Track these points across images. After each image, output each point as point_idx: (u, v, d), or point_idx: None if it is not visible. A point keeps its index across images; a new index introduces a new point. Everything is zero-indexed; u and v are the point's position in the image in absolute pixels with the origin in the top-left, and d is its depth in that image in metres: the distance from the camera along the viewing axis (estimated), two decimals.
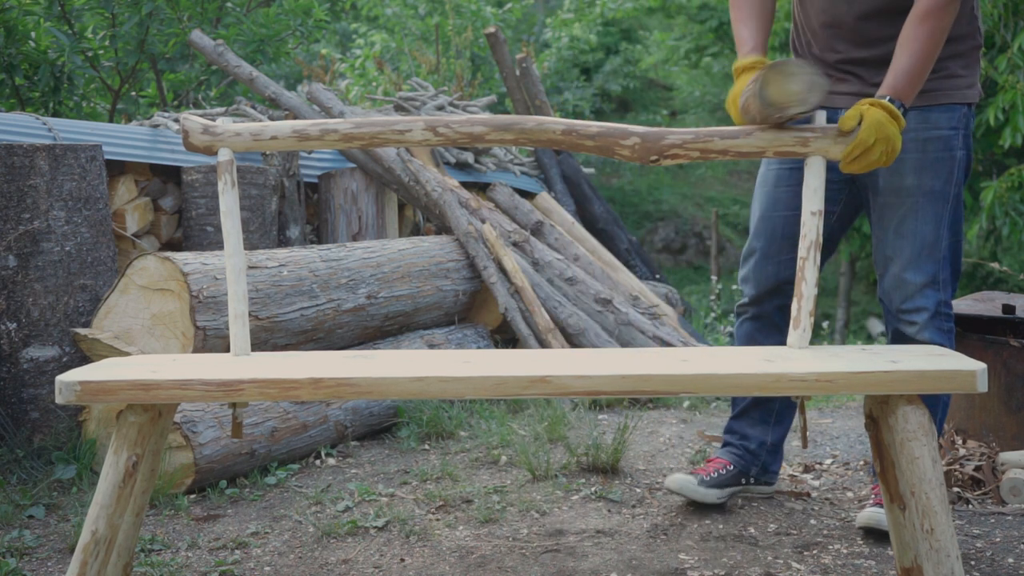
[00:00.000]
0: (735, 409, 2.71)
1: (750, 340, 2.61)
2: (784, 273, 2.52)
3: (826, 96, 2.03)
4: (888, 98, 2.15)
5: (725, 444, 2.71)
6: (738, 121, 2.19)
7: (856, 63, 2.41)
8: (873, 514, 2.42)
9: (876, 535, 2.44)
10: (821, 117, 2.10)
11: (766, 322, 2.58)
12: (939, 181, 2.35)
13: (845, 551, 2.36)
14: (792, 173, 2.48)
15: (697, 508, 2.66)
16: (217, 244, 3.70)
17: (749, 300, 2.59)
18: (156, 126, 4.28)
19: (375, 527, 2.53)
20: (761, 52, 2.36)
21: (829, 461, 3.16)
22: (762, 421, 2.67)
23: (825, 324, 10.32)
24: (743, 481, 2.67)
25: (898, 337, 2.43)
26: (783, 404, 2.66)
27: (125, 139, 3.86)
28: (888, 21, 2.33)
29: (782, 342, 2.59)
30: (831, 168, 2.38)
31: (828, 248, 2.53)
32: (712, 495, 2.60)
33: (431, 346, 3.85)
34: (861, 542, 2.42)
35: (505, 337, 4.41)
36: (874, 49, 2.37)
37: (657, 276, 5.58)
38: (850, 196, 2.51)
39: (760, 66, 2.25)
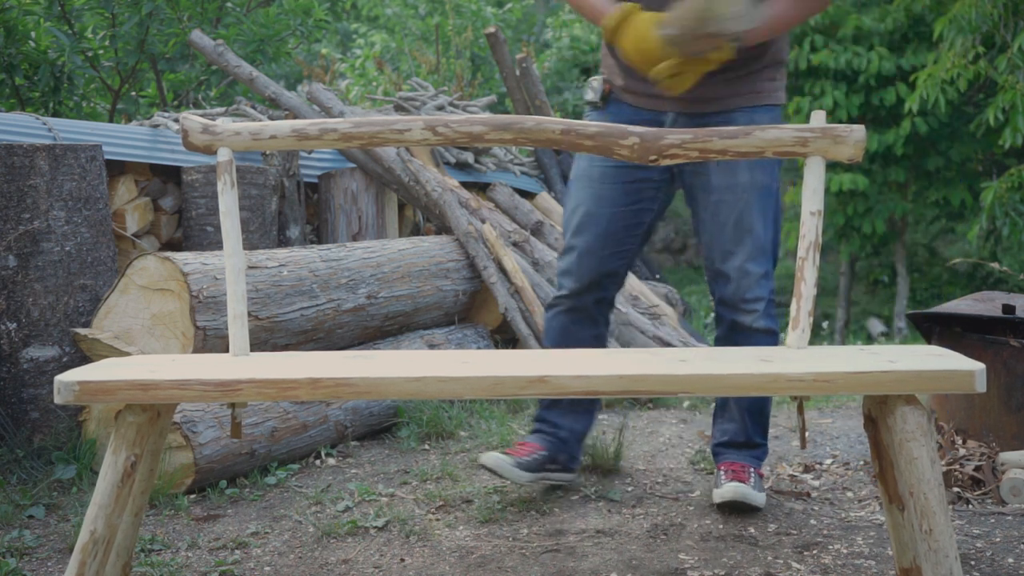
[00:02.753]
0: (544, 400, 2.76)
1: (565, 332, 2.66)
2: (605, 267, 2.60)
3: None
4: None
5: (536, 431, 2.77)
6: (639, 57, 2.32)
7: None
8: (738, 488, 2.54)
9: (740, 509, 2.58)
10: (820, 116, 2.10)
11: (583, 315, 2.65)
12: (767, 177, 2.50)
13: (845, 551, 2.36)
14: (618, 171, 2.55)
15: (696, 508, 2.66)
16: (217, 244, 3.70)
17: (568, 293, 2.64)
18: (156, 126, 4.28)
19: (375, 527, 2.53)
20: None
21: (829, 461, 3.16)
22: (572, 411, 2.74)
23: (825, 324, 10.33)
24: (549, 467, 2.72)
25: (734, 327, 2.55)
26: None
27: (125, 139, 3.86)
28: None
29: (598, 334, 2.68)
30: (652, 168, 2.53)
31: (647, 236, 2.65)
32: (525, 477, 2.67)
33: (431, 346, 3.85)
34: (861, 542, 2.42)
35: (505, 337, 4.41)
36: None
37: (657, 276, 5.58)
38: (666, 195, 2.63)
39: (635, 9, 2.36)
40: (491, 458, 2.65)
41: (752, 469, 2.65)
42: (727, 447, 2.70)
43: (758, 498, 2.57)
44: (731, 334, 2.57)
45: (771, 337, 2.56)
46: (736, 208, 2.49)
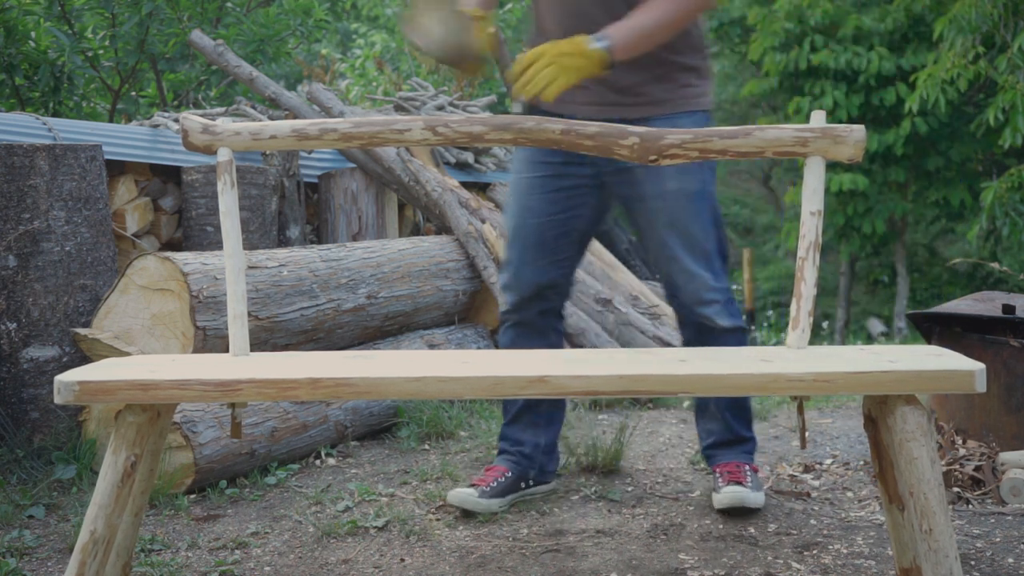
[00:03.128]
0: (507, 416, 2.75)
1: (513, 346, 2.67)
2: (542, 278, 2.60)
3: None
4: (597, 36, 2.26)
5: (501, 452, 2.74)
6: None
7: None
8: (736, 492, 2.54)
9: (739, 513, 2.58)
10: (819, 116, 2.10)
11: (529, 328, 2.65)
12: (697, 182, 2.50)
13: (845, 551, 2.36)
14: (543, 181, 2.56)
15: (696, 508, 2.66)
16: (217, 244, 3.70)
17: (511, 307, 2.65)
18: (156, 126, 4.28)
19: (375, 527, 2.53)
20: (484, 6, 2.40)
21: (829, 461, 3.16)
22: (533, 424, 2.72)
23: (825, 324, 10.33)
24: (522, 486, 2.70)
25: (698, 330, 2.55)
26: (550, 406, 2.73)
27: (125, 139, 3.86)
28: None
29: (545, 345, 2.66)
30: (578, 176, 2.54)
31: (583, 244, 2.65)
32: (494, 505, 2.62)
33: (431, 346, 3.85)
34: (861, 542, 2.42)
35: None
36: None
37: (657, 276, 5.57)
38: (599, 201, 2.61)
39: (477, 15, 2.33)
40: (457, 495, 2.61)
41: (747, 467, 2.65)
42: (716, 448, 2.70)
43: (757, 499, 2.57)
44: (698, 337, 2.57)
45: (739, 335, 2.55)
46: (669, 214, 2.49)
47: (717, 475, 2.65)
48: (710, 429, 2.71)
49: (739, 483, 2.58)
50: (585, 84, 2.40)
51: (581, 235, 2.63)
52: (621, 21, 2.31)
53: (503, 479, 2.67)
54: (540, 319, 2.65)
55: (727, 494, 2.55)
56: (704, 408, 2.72)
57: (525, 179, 2.59)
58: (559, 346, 2.73)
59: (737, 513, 2.58)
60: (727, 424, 2.68)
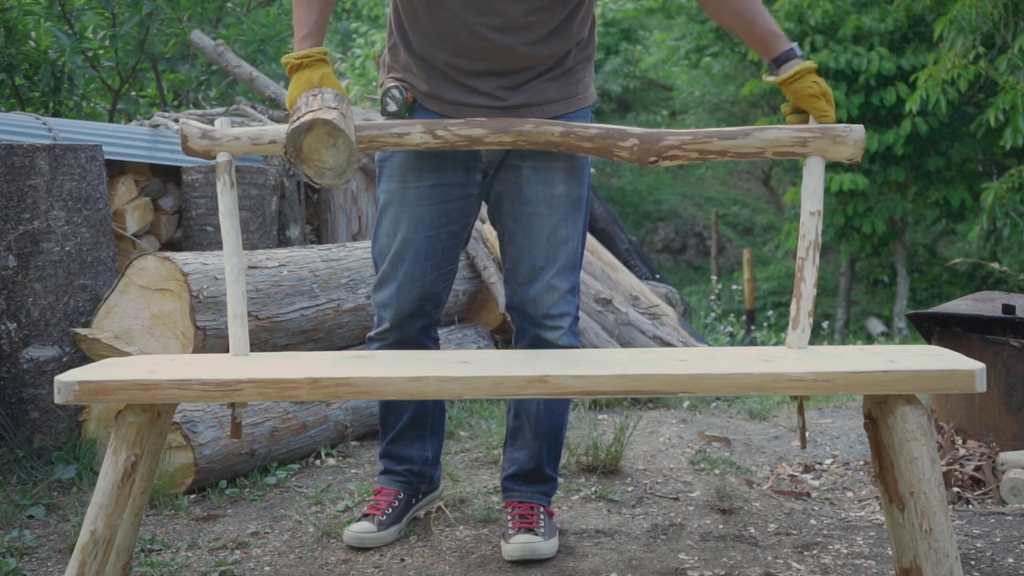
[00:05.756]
0: (388, 432, 2.55)
1: None
2: (427, 292, 2.37)
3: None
4: (798, 52, 2.18)
5: (386, 471, 2.56)
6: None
7: (487, 75, 2.26)
8: (527, 543, 2.33)
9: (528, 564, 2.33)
10: None
11: (409, 345, 2.41)
12: (582, 188, 2.33)
13: (845, 551, 2.37)
14: (433, 191, 2.32)
15: (696, 508, 2.66)
16: (217, 244, 3.70)
17: (391, 325, 2.40)
18: (156, 126, 4.28)
19: None
20: (316, 40, 2.18)
21: (829, 461, 3.16)
22: (419, 438, 2.54)
23: (825, 324, 10.33)
24: (414, 502, 2.56)
25: (537, 343, 2.36)
26: (436, 416, 2.56)
27: (125, 139, 3.86)
28: (525, 32, 2.21)
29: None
30: (471, 184, 2.34)
31: (463, 251, 2.47)
32: (392, 532, 2.46)
33: None
34: (861, 542, 2.43)
35: (505, 337, 4.41)
36: (508, 62, 2.24)
37: (657, 276, 5.58)
38: (476, 208, 2.43)
39: (314, 59, 2.13)
40: (354, 536, 2.42)
41: (542, 509, 2.42)
42: (516, 480, 2.47)
43: (549, 548, 2.34)
44: (533, 349, 2.35)
45: None
46: (551, 221, 2.31)
47: (508, 517, 2.41)
48: (515, 458, 2.48)
49: (531, 530, 2.35)
50: (480, 87, 2.25)
51: (464, 243, 2.44)
52: (779, 33, 2.19)
53: (396, 503, 2.51)
54: (422, 335, 2.43)
55: (518, 544, 2.32)
56: (516, 433, 2.48)
57: (413, 189, 2.33)
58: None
59: (527, 563, 2.34)
60: (537, 455, 2.44)
